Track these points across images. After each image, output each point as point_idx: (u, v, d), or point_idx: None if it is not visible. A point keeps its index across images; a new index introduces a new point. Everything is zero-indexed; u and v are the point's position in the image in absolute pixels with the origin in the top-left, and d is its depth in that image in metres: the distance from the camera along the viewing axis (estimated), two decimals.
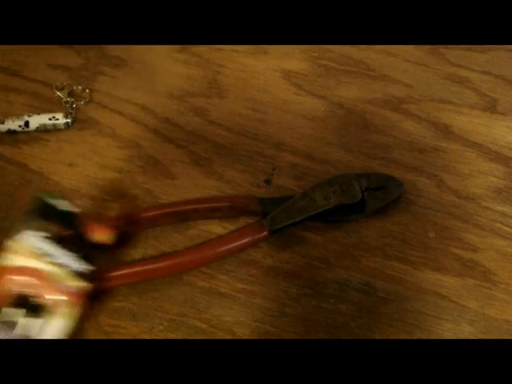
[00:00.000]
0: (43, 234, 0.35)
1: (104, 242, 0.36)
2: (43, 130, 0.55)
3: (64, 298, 0.34)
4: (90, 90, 0.57)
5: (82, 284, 0.34)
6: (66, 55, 0.60)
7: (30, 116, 0.54)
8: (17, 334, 0.33)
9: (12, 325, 0.33)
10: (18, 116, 0.54)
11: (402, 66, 0.59)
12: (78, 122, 0.55)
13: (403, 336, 0.44)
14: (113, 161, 0.53)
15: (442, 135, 0.54)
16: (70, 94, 0.57)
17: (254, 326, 0.44)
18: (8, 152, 0.54)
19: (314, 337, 0.44)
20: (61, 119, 0.54)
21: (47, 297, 0.33)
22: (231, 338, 0.43)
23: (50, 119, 0.54)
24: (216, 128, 0.55)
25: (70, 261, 0.34)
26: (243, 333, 0.43)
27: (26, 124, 0.54)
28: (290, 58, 0.59)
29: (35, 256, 0.33)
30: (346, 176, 0.49)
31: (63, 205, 0.35)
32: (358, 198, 0.48)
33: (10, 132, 0.54)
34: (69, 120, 0.55)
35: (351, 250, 0.48)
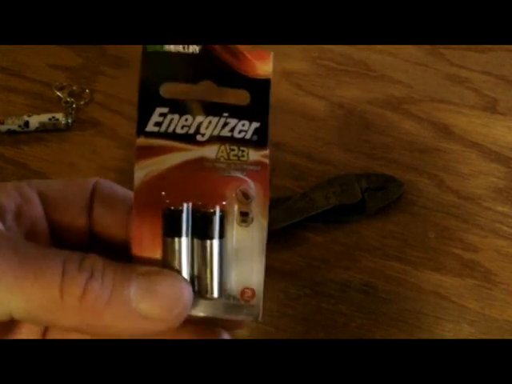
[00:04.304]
0: (177, 102, 0.22)
1: (265, 74, 0.23)
2: (43, 130, 0.55)
3: (250, 185, 0.22)
4: (90, 90, 0.57)
5: (261, 153, 0.22)
6: (66, 55, 0.60)
7: (30, 116, 0.54)
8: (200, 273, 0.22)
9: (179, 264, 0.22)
10: (18, 116, 0.54)
11: (402, 66, 0.58)
12: (78, 122, 0.55)
13: (403, 336, 0.44)
14: (113, 161, 0.53)
15: (442, 135, 0.54)
16: (70, 94, 0.57)
17: (253, 326, 0.44)
18: (8, 152, 0.54)
19: (314, 337, 0.44)
20: (61, 119, 0.54)
21: (224, 195, 0.22)
22: (231, 337, 0.43)
23: (50, 119, 0.54)
24: None
25: (231, 125, 0.22)
26: (243, 333, 0.43)
27: (26, 124, 0.54)
28: (290, 58, 0.59)
29: (182, 141, 0.22)
30: (346, 176, 0.49)
31: (178, 47, 0.23)
32: (358, 199, 0.48)
33: (10, 132, 0.54)
34: (69, 120, 0.54)
35: (351, 250, 0.48)
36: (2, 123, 0.54)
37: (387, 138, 0.54)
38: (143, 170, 0.22)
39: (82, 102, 0.57)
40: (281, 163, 0.52)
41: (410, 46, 0.59)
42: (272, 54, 0.24)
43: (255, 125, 0.22)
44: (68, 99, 0.56)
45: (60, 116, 0.54)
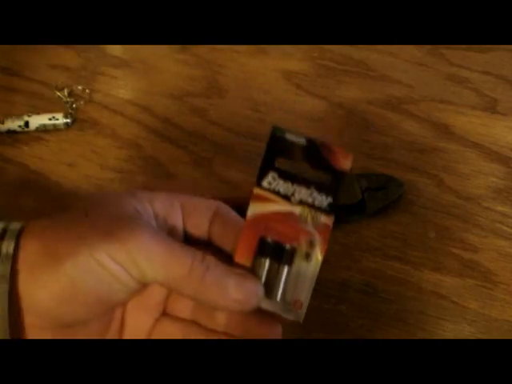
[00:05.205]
0: (284, 171, 0.32)
1: (345, 167, 0.32)
2: (43, 130, 0.55)
3: (317, 237, 0.32)
4: (90, 90, 0.57)
5: (329, 218, 0.32)
6: (66, 55, 0.60)
7: (29, 116, 0.54)
8: (269, 284, 0.32)
9: (260, 277, 0.32)
10: (18, 116, 0.54)
11: (402, 66, 0.59)
12: (78, 122, 0.55)
13: (404, 336, 0.44)
14: (113, 161, 0.53)
15: (442, 135, 0.54)
16: (70, 94, 0.57)
17: None
18: (8, 152, 0.54)
19: (314, 337, 0.44)
20: (61, 119, 0.54)
21: (299, 240, 0.32)
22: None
23: (50, 119, 0.54)
24: (216, 128, 0.55)
25: (313, 196, 0.32)
26: None
27: (26, 124, 0.54)
28: (290, 58, 0.59)
29: (281, 198, 0.32)
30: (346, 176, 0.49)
31: (293, 136, 0.32)
32: (358, 199, 0.48)
33: (10, 132, 0.54)
34: (69, 120, 0.54)
35: (351, 250, 0.48)
36: (2, 123, 0.54)
37: (387, 137, 0.54)
38: (254, 209, 0.32)
39: (82, 102, 0.57)
40: None
41: (410, 45, 0.59)
42: (352, 156, 0.32)
43: (329, 199, 0.32)
44: (68, 99, 0.56)
45: (60, 116, 0.54)
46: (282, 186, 0.32)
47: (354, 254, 0.47)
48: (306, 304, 0.33)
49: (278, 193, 0.32)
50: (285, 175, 0.32)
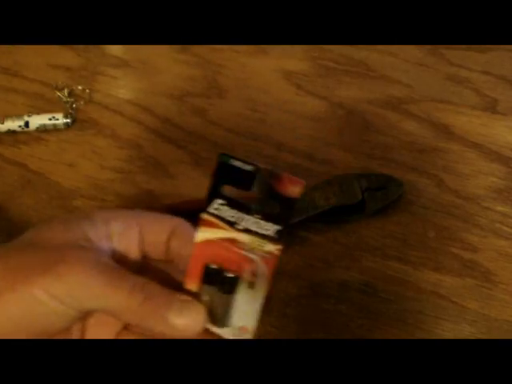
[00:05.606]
0: (231, 199, 0.32)
1: (295, 195, 0.30)
2: (43, 130, 0.55)
3: (261, 266, 0.32)
4: (90, 90, 0.57)
5: (275, 247, 0.32)
6: (66, 55, 0.60)
7: (29, 116, 0.54)
8: (212, 311, 0.32)
9: (206, 302, 0.32)
10: (18, 116, 0.54)
11: (402, 66, 0.59)
12: (78, 122, 0.55)
13: (403, 336, 0.44)
14: (113, 161, 0.53)
15: (442, 135, 0.54)
16: (70, 94, 0.57)
17: None
18: (8, 152, 0.54)
19: (314, 337, 0.44)
20: (61, 119, 0.54)
21: (243, 268, 0.32)
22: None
23: (50, 119, 0.54)
24: (216, 128, 0.55)
25: (260, 224, 0.32)
26: None
27: (26, 124, 0.54)
28: (290, 57, 0.59)
29: (228, 225, 0.32)
30: (346, 176, 0.49)
31: (240, 163, 0.31)
32: (358, 199, 0.48)
33: (10, 132, 0.54)
34: (69, 120, 0.54)
35: (351, 250, 0.48)
36: (2, 123, 0.54)
37: (387, 137, 0.54)
38: (201, 234, 0.32)
39: (81, 102, 0.57)
40: (281, 163, 0.52)
41: (410, 45, 0.59)
42: (304, 183, 0.31)
43: (277, 227, 0.32)
44: (68, 99, 0.56)
45: (60, 116, 0.54)
46: (229, 213, 0.32)
47: (353, 253, 0.47)
48: (252, 330, 0.33)
49: (224, 219, 0.32)
50: (231, 203, 0.32)
